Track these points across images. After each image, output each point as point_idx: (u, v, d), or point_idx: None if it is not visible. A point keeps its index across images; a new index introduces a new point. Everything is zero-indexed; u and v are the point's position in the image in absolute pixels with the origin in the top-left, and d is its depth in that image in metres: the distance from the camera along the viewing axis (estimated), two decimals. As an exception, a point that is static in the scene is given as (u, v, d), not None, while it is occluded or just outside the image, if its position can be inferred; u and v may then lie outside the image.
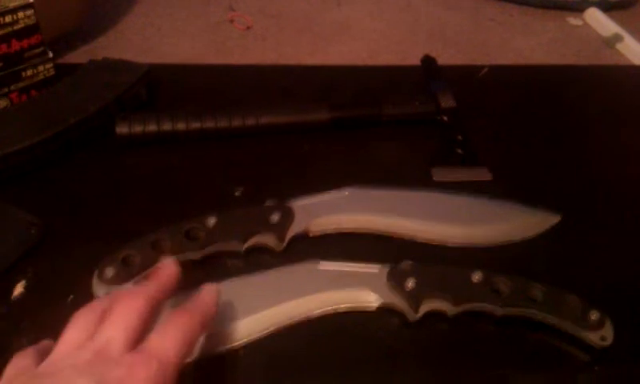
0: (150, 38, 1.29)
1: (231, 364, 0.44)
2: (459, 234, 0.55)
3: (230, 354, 0.44)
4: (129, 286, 0.47)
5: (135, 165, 0.62)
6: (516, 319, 0.47)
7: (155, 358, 0.33)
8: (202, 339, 0.43)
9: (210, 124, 0.64)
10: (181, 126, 0.63)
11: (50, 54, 0.69)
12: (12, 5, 0.64)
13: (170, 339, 0.35)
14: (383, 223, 0.55)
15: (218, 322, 0.45)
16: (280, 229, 0.52)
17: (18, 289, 0.47)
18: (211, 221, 0.51)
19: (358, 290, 0.47)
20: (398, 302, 0.47)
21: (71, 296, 0.47)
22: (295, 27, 1.32)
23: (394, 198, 0.57)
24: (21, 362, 0.35)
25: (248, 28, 1.30)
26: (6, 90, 0.67)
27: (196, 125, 0.63)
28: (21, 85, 0.68)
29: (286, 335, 0.46)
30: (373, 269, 0.49)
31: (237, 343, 0.45)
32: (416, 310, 0.46)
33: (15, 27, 0.64)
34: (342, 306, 0.47)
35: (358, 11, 1.39)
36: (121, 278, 0.47)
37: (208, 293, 0.41)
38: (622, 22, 1.45)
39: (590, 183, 0.63)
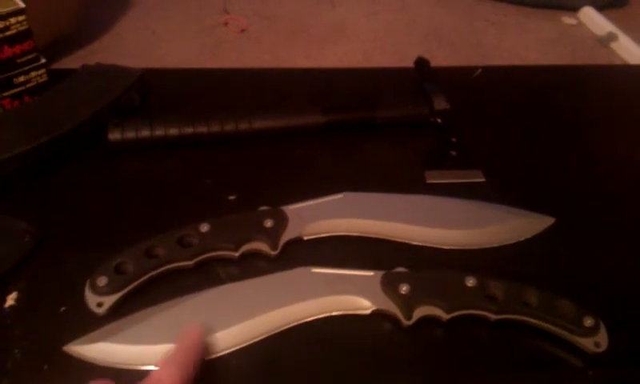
0: (144, 42, 1.29)
1: (225, 369, 0.44)
2: (453, 237, 0.54)
3: (224, 359, 0.44)
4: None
5: (128, 171, 0.62)
6: (510, 324, 0.46)
7: None
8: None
9: (202, 129, 0.64)
10: (173, 131, 0.63)
11: (43, 60, 0.69)
12: (3, 10, 0.63)
13: (170, 372, 0.39)
14: (377, 227, 0.55)
15: (211, 327, 0.45)
16: (274, 234, 0.52)
17: (10, 301, 0.47)
18: (204, 227, 0.51)
19: (352, 295, 0.47)
20: (392, 307, 0.46)
21: (63, 307, 0.47)
22: (290, 29, 1.32)
23: (388, 202, 0.57)
24: None
25: (242, 31, 1.30)
26: (-1, 96, 0.66)
27: (189, 130, 0.63)
28: (13, 91, 0.67)
29: (280, 341, 0.46)
30: (367, 274, 0.49)
31: (231, 349, 0.45)
32: (410, 316, 0.46)
33: (7, 33, 0.64)
34: (336, 311, 0.47)
35: (352, 12, 1.39)
36: (114, 287, 0.46)
37: (188, 331, 0.43)
38: (616, 21, 1.45)
39: (584, 185, 0.63)
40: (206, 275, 0.50)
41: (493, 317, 0.46)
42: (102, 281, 0.46)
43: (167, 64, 1.19)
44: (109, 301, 0.46)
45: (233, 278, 0.50)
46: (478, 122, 0.72)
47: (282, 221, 0.53)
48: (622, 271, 0.53)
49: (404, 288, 0.47)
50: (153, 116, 0.64)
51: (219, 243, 0.51)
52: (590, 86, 0.81)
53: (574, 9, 1.53)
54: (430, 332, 0.47)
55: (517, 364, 0.45)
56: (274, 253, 0.52)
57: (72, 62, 1.18)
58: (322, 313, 0.47)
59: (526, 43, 1.33)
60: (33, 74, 0.68)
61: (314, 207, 0.55)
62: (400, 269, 0.49)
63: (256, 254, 0.52)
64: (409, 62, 0.79)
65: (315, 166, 0.64)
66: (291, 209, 0.54)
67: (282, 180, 0.61)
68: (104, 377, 0.42)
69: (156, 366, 0.40)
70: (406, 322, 0.46)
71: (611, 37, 1.38)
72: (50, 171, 0.60)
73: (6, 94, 0.67)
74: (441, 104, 0.69)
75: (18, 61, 0.66)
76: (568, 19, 1.49)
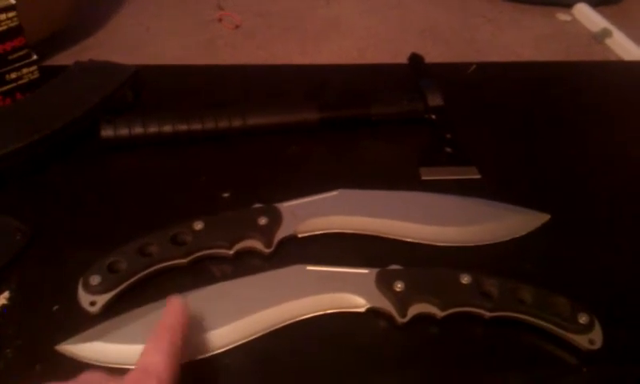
0: (138, 38, 1.29)
1: (220, 368, 0.43)
2: (448, 234, 0.54)
3: (218, 357, 0.44)
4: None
5: (121, 168, 0.61)
6: (505, 321, 0.46)
7: (153, 374, 0.36)
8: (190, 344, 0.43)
9: (196, 126, 0.63)
10: (167, 128, 0.62)
11: (35, 56, 0.69)
12: (-6, 7, 0.63)
13: (160, 354, 0.37)
14: (372, 224, 0.54)
15: (206, 325, 0.45)
16: (268, 231, 0.52)
17: (2, 300, 0.47)
18: (198, 225, 0.51)
19: (347, 293, 0.47)
20: (387, 304, 0.46)
21: (56, 306, 0.47)
22: (284, 25, 1.31)
23: (382, 199, 0.57)
24: None
25: (237, 27, 1.29)
26: (-10, 93, 0.66)
27: (182, 127, 0.63)
28: (5, 88, 0.67)
29: (274, 339, 0.45)
30: (361, 271, 0.48)
31: (225, 347, 0.44)
32: (404, 313, 0.46)
33: (-2, 29, 0.64)
34: (331, 309, 0.47)
35: (347, 9, 1.39)
36: (106, 286, 0.46)
37: (173, 305, 0.42)
38: (610, 17, 1.45)
39: (580, 181, 0.63)
40: (199, 273, 0.50)
41: (487, 314, 0.46)
42: (95, 279, 0.46)
43: (161, 60, 1.19)
44: (102, 300, 0.46)
45: (227, 276, 0.50)
46: (473, 119, 0.71)
47: (276, 218, 0.52)
48: (617, 268, 0.53)
49: (399, 285, 0.46)
50: (146, 113, 0.64)
51: (213, 241, 0.50)
52: (584, 83, 0.81)
53: (568, 5, 1.53)
54: (424, 329, 0.46)
55: (511, 361, 0.45)
56: (268, 250, 0.51)
57: (65, 58, 1.17)
58: (317, 311, 0.47)
59: (520, 40, 1.33)
60: (24, 70, 0.68)
61: (308, 204, 0.55)
62: (394, 266, 0.48)
63: (250, 252, 0.52)
64: (403, 59, 0.78)
65: (310, 163, 0.63)
66: (285, 206, 0.54)
67: (277, 177, 0.61)
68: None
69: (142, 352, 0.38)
70: (400, 320, 0.46)
71: (606, 33, 1.39)
72: (43, 169, 0.59)
73: (-3, 90, 0.66)
74: (435, 100, 0.68)
75: (9, 57, 0.66)
76: (563, 16, 1.49)
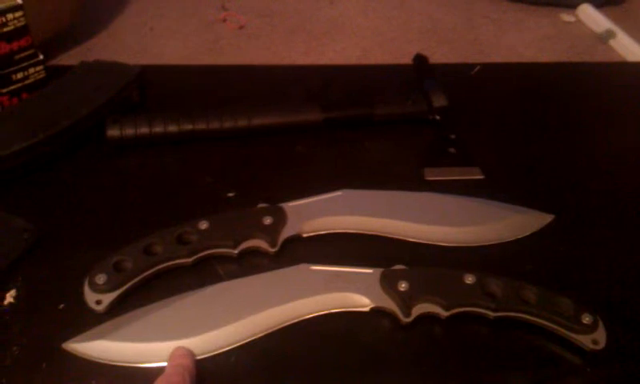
0: (142, 38, 1.29)
1: (224, 366, 0.44)
2: (452, 234, 0.54)
3: (223, 356, 0.44)
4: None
5: (126, 168, 0.62)
6: (509, 321, 0.46)
7: None
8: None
9: (201, 125, 0.63)
10: (172, 128, 0.63)
11: (41, 56, 0.69)
12: (1, 7, 0.63)
13: None
14: (376, 224, 0.55)
15: (211, 324, 0.45)
16: (273, 231, 0.52)
17: (9, 298, 0.47)
18: (203, 225, 0.51)
19: (351, 292, 0.47)
20: (391, 304, 0.46)
21: (62, 305, 0.47)
22: (288, 26, 1.31)
23: (387, 200, 0.57)
24: None
25: (241, 27, 1.29)
26: (-4, 93, 0.66)
27: (187, 126, 0.63)
28: (11, 88, 0.67)
29: (279, 338, 0.46)
30: (365, 271, 0.49)
31: (230, 346, 0.45)
32: (408, 313, 0.46)
33: (4, 29, 0.64)
34: (335, 308, 0.47)
35: (350, 9, 1.39)
36: (112, 285, 0.46)
37: (180, 357, 0.42)
38: (614, 18, 1.45)
39: (583, 182, 0.63)
40: (204, 273, 0.50)
41: (491, 314, 0.46)
42: (101, 278, 0.46)
43: (165, 61, 1.19)
44: (107, 298, 0.46)
45: (232, 276, 0.50)
46: (477, 119, 0.72)
47: (280, 218, 0.53)
48: (621, 269, 0.53)
49: (403, 285, 0.47)
50: (151, 112, 0.64)
51: (218, 241, 0.51)
52: (588, 83, 0.81)
53: (572, 6, 1.53)
54: (428, 329, 0.47)
55: (515, 361, 0.45)
56: (273, 250, 0.52)
57: (70, 58, 1.17)
58: (321, 310, 0.47)
59: (524, 40, 1.34)
60: (31, 70, 0.68)
61: (312, 204, 0.55)
62: (399, 266, 0.49)
63: (255, 252, 0.52)
64: (407, 59, 0.78)
65: (314, 163, 0.64)
66: (290, 206, 0.54)
67: (281, 177, 0.61)
68: (102, 374, 0.42)
69: None
70: (404, 320, 0.46)
71: (609, 34, 1.39)
72: (49, 168, 0.60)
73: (3, 90, 0.67)
74: (439, 101, 0.68)
75: (16, 57, 0.66)
76: (566, 16, 1.49)
